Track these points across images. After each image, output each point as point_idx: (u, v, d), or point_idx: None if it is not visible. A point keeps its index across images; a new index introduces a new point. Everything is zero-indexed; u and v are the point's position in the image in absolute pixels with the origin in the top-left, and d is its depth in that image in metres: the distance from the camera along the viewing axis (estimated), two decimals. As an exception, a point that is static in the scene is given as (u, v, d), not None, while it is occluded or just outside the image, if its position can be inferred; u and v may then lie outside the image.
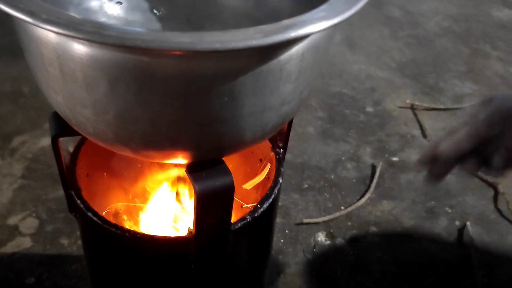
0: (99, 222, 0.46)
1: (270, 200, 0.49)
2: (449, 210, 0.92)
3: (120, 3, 0.47)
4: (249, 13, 0.50)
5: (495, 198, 0.96)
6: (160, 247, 0.46)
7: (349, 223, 0.88)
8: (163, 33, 0.29)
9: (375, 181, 0.95)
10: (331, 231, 0.86)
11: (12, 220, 0.82)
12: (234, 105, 0.36)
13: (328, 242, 0.84)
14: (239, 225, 0.46)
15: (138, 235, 0.46)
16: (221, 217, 0.43)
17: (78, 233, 0.81)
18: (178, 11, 0.49)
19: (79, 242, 0.79)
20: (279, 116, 0.39)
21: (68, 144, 0.90)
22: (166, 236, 0.45)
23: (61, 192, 0.86)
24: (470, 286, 0.80)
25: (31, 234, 0.80)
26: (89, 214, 0.47)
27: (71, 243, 0.79)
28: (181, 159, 0.40)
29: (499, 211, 0.93)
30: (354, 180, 0.96)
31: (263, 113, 0.38)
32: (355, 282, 0.78)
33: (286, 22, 0.32)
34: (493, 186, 0.98)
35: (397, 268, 0.81)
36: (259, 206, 0.48)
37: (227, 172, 0.41)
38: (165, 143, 0.38)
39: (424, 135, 1.09)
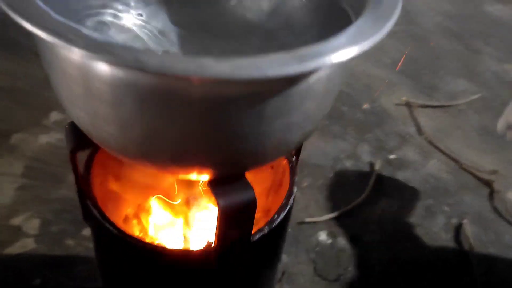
0: (117, 233, 0.46)
1: (286, 210, 0.50)
2: (447, 209, 0.94)
3: (141, 15, 0.47)
4: (263, 24, 0.50)
5: (491, 196, 0.98)
6: (178, 259, 0.46)
7: (350, 222, 0.89)
8: (201, 60, 0.29)
9: (373, 179, 0.97)
10: (332, 230, 0.87)
11: (16, 221, 0.81)
12: (261, 125, 0.36)
13: (330, 241, 0.85)
14: (257, 236, 0.47)
15: (156, 247, 0.46)
16: (242, 230, 0.44)
17: (83, 233, 0.81)
18: (195, 22, 0.49)
19: (85, 243, 0.80)
20: (303, 133, 0.40)
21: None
22: (184, 249, 0.46)
23: (63, 192, 0.87)
24: (468, 284, 0.82)
25: (35, 235, 0.80)
26: (107, 224, 0.47)
27: (76, 244, 0.79)
28: (205, 176, 0.41)
29: (495, 209, 0.95)
30: (353, 178, 0.97)
31: (288, 130, 0.38)
32: (357, 281, 0.80)
33: (319, 47, 0.32)
34: (489, 184, 1.00)
35: (397, 267, 0.83)
36: (275, 217, 0.49)
37: (249, 187, 0.42)
38: (191, 161, 0.39)
39: (419, 132, 1.10)
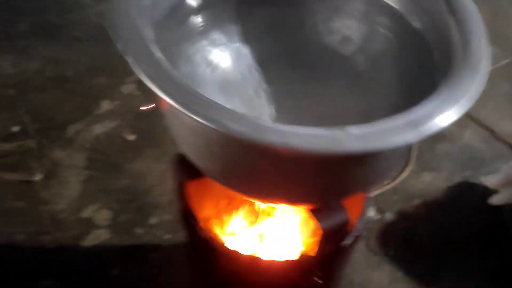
0: (223, 250, 0.51)
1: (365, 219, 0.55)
2: (483, 179, 0.99)
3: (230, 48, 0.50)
4: (337, 49, 0.53)
5: (526, 164, 1.02)
6: (276, 268, 0.52)
7: (395, 197, 0.94)
8: (334, 135, 0.32)
9: (415, 153, 1.01)
10: (380, 206, 0.93)
11: (86, 213, 0.87)
12: (364, 173, 0.41)
13: (378, 216, 0.91)
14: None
15: (257, 259, 0.52)
16: (337, 243, 0.49)
17: (150, 222, 0.87)
18: (283, 52, 0.52)
19: (152, 231, 0.86)
20: (398, 168, 0.44)
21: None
22: (284, 260, 0.51)
23: (125, 181, 0.92)
24: (510, 250, 0.88)
25: (106, 226, 0.86)
26: (210, 240, 0.53)
27: (145, 233, 0.85)
28: (307, 207, 0.46)
29: (530, 176, 1.00)
30: (396, 154, 1.02)
31: (387, 170, 0.43)
32: (409, 255, 0.86)
33: (427, 110, 0.36)
34: (523, 152, 1.05)
35: (443, 238, 0.89)
36: (358, 224, 0.54)
37: (343, 210, 0.47)
38: (296, 201, 0.44)
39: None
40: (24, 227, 0.84)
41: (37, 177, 0.90)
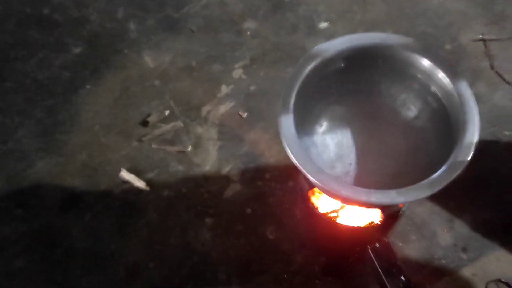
0: (326, 219, 0.94)
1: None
2: (507, 133, 1.34)
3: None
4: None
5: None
6: (355, 231, 0.95)
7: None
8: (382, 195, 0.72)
9: (454, 116, 1.36)
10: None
11: (224, 172, 1.32)
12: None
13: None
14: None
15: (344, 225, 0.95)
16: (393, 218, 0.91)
17: (266, 176, 1.31)
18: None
19: (268, 183, 1.29)
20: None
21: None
22: (358, 226, 0.94)
23: (245, 148, 1.34)
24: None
25: (237, 180, 1.30)
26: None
27: (263, 184, 1.29)
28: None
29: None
30: (439, 116, 1.37)
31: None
32: (444, 194, 1.26)
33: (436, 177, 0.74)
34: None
35: (471, 181, 1.27)
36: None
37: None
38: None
39: (492, 66, 1.44)
40: (186, 183, 1.31)
41: (189, 148, 1.35)
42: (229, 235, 1.22)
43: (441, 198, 1.25)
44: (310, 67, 0.80)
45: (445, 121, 0.81)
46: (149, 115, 1.39)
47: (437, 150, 0.80)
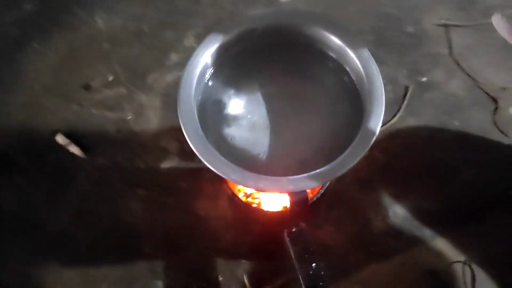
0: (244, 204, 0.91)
1: (327, 184, 0.92)
2: (456, 123, 1.30)
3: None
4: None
5: (495, 112, 1.31)
6: (270, 215, 0.92)
7: (383, 137, 1.28)
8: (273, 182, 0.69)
9: (405, 102, 1.32)
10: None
11: (163, 143, 1.28)
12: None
13: (367, 153, 1.26)
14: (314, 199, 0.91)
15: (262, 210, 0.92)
16: (301, 205, 0.88)
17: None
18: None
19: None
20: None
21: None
22: (273, 211, 0.91)
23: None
24: (464, 180, 1.22)
25: (176, 154, 1.27)
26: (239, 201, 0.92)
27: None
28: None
29: (495, 123, 1.29)
30: (392, 102, 1.33)
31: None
32: (385, 181, 1.23)
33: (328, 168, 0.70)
34: (495, 100, 1.32)
35: (414, 170, 1.24)
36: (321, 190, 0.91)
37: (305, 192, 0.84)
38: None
39: (450, 53, 1.39)
40: (123, 152, 1.27)
41: (129, 116, 1.31)
42: (159, 208, 1.20)
43: (380, 184, 1.22)
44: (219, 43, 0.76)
45: (358, 107, 0.77)
46: (93, 79, 1.35)
47: (348, 138, 0.77)
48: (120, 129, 1.29)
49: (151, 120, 1.30)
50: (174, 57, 1.39)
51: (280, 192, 0.82)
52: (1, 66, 1.38)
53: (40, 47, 1.41)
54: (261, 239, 1.14)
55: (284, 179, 0.68)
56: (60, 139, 1.26)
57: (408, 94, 1.32)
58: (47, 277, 1.15)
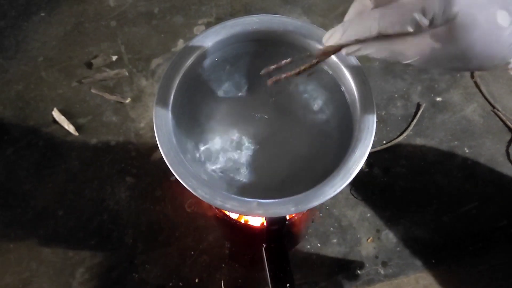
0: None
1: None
2: (467, 150, 1.23)
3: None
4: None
5: (509, 143, 1.24)
6: (249, 229, 0.88)
7: (386, 156, 1.22)
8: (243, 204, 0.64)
9: (415, 120, 1.25)
10: (371, 161, 1.22)
11: (158, 132, 1.24)
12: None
13: (367, 170, 1.21)
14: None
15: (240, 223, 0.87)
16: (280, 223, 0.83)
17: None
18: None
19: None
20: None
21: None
22: (252, 225, 0.86)
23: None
24: (464, 213, 1.16)
25: (171, 144, 1.23)
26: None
27: (196, 154, 1.22)
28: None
29: (507, 155, 1.23)
30: (400, 118, 1.26)
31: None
32: (379, 203, 1.17)
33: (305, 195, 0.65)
34: (511, 130, 1.25)
35: (413, 194, 1.18)
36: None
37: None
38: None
39: (472, 75, 1.32)
40: (117, 136, 1.24)
41: (128, 100, 1.27)
42: (146, 199, 1.16)
43: (375, 205, 1.17)
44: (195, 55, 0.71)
45: (348, 131, 0.72)
46: (95, 56, 1.31)
47: (336, 160, 0.71)
48: (117, 112, 1.25)
49: (149, 107, 1.26)
50: (181, 44, 1.34)
51: (249, 216, 0.77)
52: (7, 32, 1.34)
53: (48, 17, 1.37)
54: (242, 246, 1.10)
55: (254, 202, 0.63)
56: (56, 114, 1.23)
57: (419, 113, 1.26)
58: (24, 253, 1.13)
